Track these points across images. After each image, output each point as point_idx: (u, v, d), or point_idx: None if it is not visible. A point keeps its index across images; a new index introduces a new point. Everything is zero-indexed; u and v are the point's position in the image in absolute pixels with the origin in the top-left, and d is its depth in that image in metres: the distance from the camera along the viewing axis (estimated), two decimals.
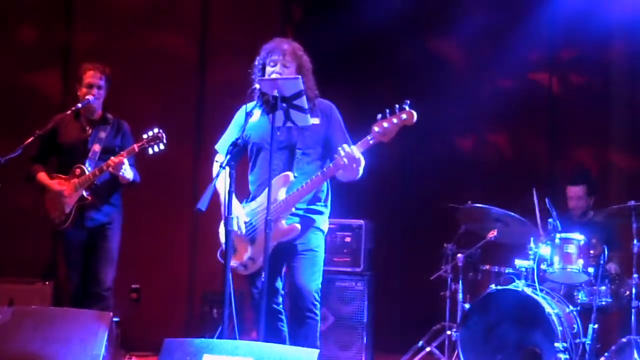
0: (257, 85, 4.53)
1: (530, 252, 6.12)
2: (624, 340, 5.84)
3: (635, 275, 5.86)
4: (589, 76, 7.78)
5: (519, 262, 6.19)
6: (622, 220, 6.07)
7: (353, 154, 4.44)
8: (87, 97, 5.89)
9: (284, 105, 4.47)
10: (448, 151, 7.94)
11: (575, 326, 5.96)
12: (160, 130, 5.68)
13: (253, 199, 4.76)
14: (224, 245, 4.62)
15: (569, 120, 7.82)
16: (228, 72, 7.63)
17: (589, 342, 5.94)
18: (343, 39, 7.47)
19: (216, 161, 4.89)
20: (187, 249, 7.81)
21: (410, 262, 7.68)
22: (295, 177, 4.60)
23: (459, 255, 6.53)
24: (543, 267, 6.07)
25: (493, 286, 6.12)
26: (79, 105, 5.89)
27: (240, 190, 4.67)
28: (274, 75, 4.62)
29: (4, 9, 7.91)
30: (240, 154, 4.73)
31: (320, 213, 4.76)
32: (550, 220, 6.20)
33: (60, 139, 5.96)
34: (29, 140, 5.69)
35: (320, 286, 4.70)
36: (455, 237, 6.72)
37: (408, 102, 4.40)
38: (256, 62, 4.74)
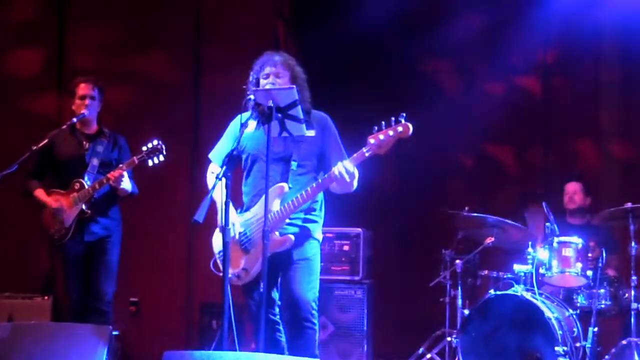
0: (251, 96, 4.53)
1: (529, 257, 6.12)
2: (624, 342, 5.84)
3: (634, 278, 5.86)
4: (580, 79, 7.79)
5: (517, 267, 6.19)
6: (619, 222, 6.07)
7: (347, 168, 4.45)
8: (82, 111, 5.89)
9: (279, 115, 4.48)
10: (445, 157, 7.94)
11: (575, 330, 5.96)
12: (160, 142, 5.69)
13: (247, 209, 4.74)
14: (217, 256, 4.69)
15: (562, 123, 7.83)
16: (224, 84, 7.64)
17: (589, 345, 5.94)
18: (333, 51, 7.48)
19: (211, 172, 4.87)
20: (185, 261, 7.80)
21: (408, 269, 7.67)
22: (290, 188, 4.59)
23: (457, 261, 6.53)
24: (542, 271, 6.07)
25: (492, 291, 6.12)
26: (74, 119, 5.89)
27: (234, 200, 4.63)
28: (268, 86, 4.62)
29: None
30: (235, 165, 4.68)
31: (315, 222, 4.74)
32: (547, 224, 6.20)
33: (56, 154, 5.95)
34: (25, 156, 5.69)
35: (317, 295, 4.68)
36: (453, 244, 6.71)
37: (404, 114, 4.40)
38: (250, 78, 4.74)
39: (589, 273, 6.02)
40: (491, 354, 5.89)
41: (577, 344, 5.87)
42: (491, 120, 7.70)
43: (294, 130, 4.56)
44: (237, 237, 4.65)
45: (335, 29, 7.46)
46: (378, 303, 6.99)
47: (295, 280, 4.63)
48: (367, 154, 4.46)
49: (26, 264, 7.53)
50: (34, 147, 5.75)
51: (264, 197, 4.37)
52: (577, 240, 6.08)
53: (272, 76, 4.66)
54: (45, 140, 5.88)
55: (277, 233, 4.56)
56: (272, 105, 4.42)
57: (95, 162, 5.88)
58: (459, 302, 6.49)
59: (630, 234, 5.92)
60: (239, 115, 4.63)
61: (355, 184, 4.57)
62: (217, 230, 4.70)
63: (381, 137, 4.41)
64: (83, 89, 5.94)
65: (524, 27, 7.60)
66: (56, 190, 5.91)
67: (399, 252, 7.88)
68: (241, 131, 4.51)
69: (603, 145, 7.68)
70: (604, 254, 6.07)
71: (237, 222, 4.67)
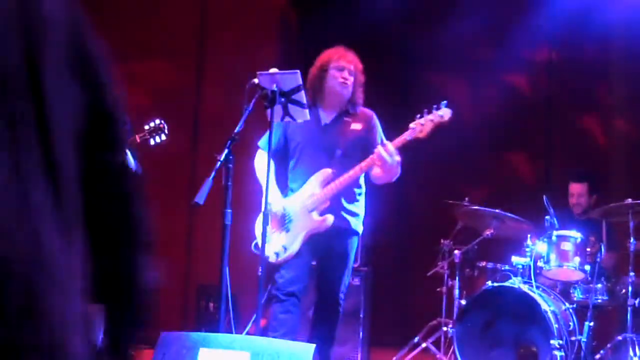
0: (255, 80, 4.54)
1: (527, 249, 6.12)
2: (619, 338, 5.84)
3: (631, 274, 5.86)
4: (587, 76, 7.78)
5: (515, 259, 6.19)
6: (619, 218, 6.07)
7: (388, 149, 4.64)
8: None
9: (283, 99, 4.48)
10: (446, 148, 7.93)
11: (571, 324, 5.96)
12: (162, 121, 5.72)
13: (293, 192, 4.97)
14: (258, 239, 4.87)
15: (567, 118, 7.83)
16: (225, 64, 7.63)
17: (585, 339, 5.94)
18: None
19: (258, 159, 5.05)
20: (183, 243, 7.80)
21: (406, 258, 7.68)
22: (334, 173, 4.79)
23: (455, 251, 6.53)
24: (539, 264, 6.07)
25: (489, 283, 6.12)
26: None
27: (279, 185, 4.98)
28: (340, 80, 4.86)
29: None
30: (282, 152, 5.00)
31: (357, 215, 4.99)
32: (547, 217, 6.20)
33: None
34: None
35: (347, 284, 4.99)
36: (452, 234, 6.72)
37: (445, 102, 4.63)
38: (316, 63, 4.95)
39: (587, 267, 6.02)
40: (486, 345, 5.90)
41: (573, 338, 5.87)
42: (495, 112, 7.69)
43: (297, 115, 4.57)
44: (278, 218, 4.90)
45: (341, 25, 7.47)
46: (375, 291, 6.99)
47: (330, 271, 4.90)
48: (408, 138, 4.67)
49: None
50: None
51: (308, 180, 4.78)
52: (575, 234, 6.07)
53: (347, 71, 4.89)
54: None
55: (316, 213, 4.80)
56: (275, 89, 4.42)
57: None
58: (456, 292, 6.49)
59: (629, 229, 5.91)
60: None
61: (398, 170, 4.79)
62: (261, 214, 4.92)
63: (422, 122, 4.64)
64: None
65: (528, 26, 7.60)
66: None
67: (398, 240, 7.89)
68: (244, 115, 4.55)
69: (611, 140, 7.67)
70: (603, 249, 6.07)
71: (281, 204, 4.92)
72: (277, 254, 4.88)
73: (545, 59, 7.88)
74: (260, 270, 4.35)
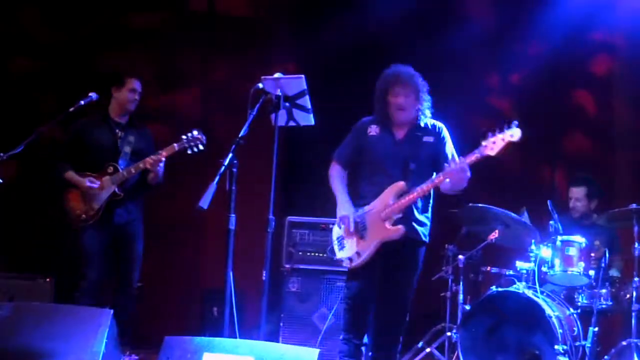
0: (260, 85, 4.55)
1: (531, 254, 6.12)
2: (624, 343, 5.83)
3: (636, 279, 5.85)
4: (592, 80, 7.78)
5: (519, 264, 6.19)
6: (624, 223, 6.06)
7: (461, 164, 4.82)
8: (130, 102, 6.17)
9: (287, 104, 4.49)
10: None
11: (575, 329, 5.96)
12: (200, 132, 5.93)
13: (368, 204, 5.12)
14: (334, 243, 5.20)
15: (571, 123, 7.82)
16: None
17: (589, 345, 5.93)
18: (338, 51, 7.57)
19: (334, 170, 5.27)
20: (188, 247, 7.80)
21: None
22: (407, 186, 5.00)
23: (460, 256, 6.51)
24: (544, 269, 6.06)
25: (494, 288, 6.11)
26: (129, 109, 6.17)
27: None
28: (395, 104, 5.05)
29: None
30: (355, 164, 5.24)
31: (425, 225, 5.20)
32: (551, 222, 6.19)
33: (88, 140, 6.15)
34: (31, 137, 5.75)
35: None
36: (456, 239, 6.71)
37: (516, 122, 4.75)
38: (378, 87, 5.14)
39: (591, 273, 6.01)
40: (491, 350, 5.89)
41: (577, 343, 5.87)
42: (499, 115, 7.69)
43: (301, 120, 4.59)
44: (351, 227, 5.08)
45: (342, 29, 7.49)
46: None
47: (400, 279, 5.11)
48: (479, 155, 4.82)
49: (28, 245, 7.53)
50: (40, 129, 5.82)
51: (384, 192, 4.99)
52: (580, 239, 6.06)
53: (402, 96, 5.05)
54: (75, 127, 6.17)
55: (388, 222, 4.99)
56: (280, 94, 4.43)
57: (127, 149, 6.12)
58: (460, 297, 6.49)
59: (634, 235, 5.90)
60: (363, 120, 5.21)
61: (466, 183, 4.96)
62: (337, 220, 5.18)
63: (494, 140, 4.76)
64: (135, 84, 6.19)
65: (532, 28, 7.60)
66: (87, 173, 6.08)
67: None
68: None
69: (615, 145, 7.66)
70: (607, 254, 6.06)
71: (351, 213, 5.11)
72: (350, 259, 5.12)
73: (547, 61, 7.86)
74: (264, 275, 4.35)
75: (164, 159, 5.96)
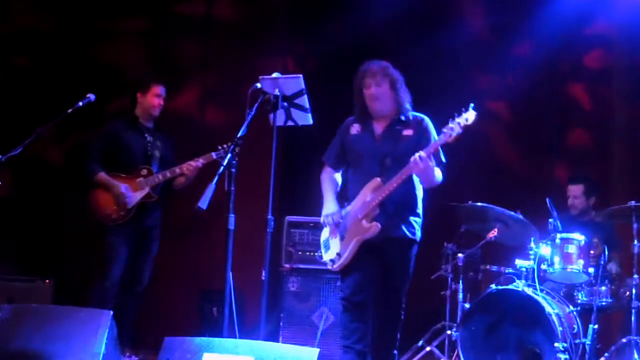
0: (258, 84, 4.55)
1: (531, 252, 6.12)
2: (624, 340, 5.84)
3: (635, 276, 5.85)
4: (592, 80, 7.78)
5: (519, 262, 6.18)
6: (623, 220, 6.07)
7: (421, 156, 4.73)
8: (155, 107, 6.29)
9: (285, 104, 4.49)
10: (450, 149, 7.93)
11: (575, 326, 5.96)
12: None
13: (349, 203, 5.11)
14: (322, 245, 5.17)
15: (571, 121, 7.83)
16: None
17: (589, 342, 5.93)
18: (336, 50, 7.57)
19: (325, 172, 5.27)
20: (187, 247, 7.80)
21: None
22: (383, 182, 4.91)
23: (459, 254, 6.52)
24: (543, 267, 6.06)
25: (493, 286, 6.12)
26: (154, 114, 6.28)
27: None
28: (368, 95, 4.97)
29: None
30: (342, 164, 5.21)
31: (415, 223, 5.11)
32: (550, 220, 6.19)
33: (122, 142, 6.26)
34: (31, 138, 5.73)
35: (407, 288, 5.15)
36: (455, 237, 6.71)
37: (472, 105, 4.70)
38: (354, 86, 5.07)
39: (591, 270, 6.01)
40: (491, 349, 5.89)
41: (577, 341, 5.87)
42: (498, 113, 7.69)
43: (299, 119, 4.58)
44: (333, 226, 5.07)
45: (340, 29, 7.49)
46: None
47: (392, 278, 5.06)
48: (439, 143, 4.78)
49: (27, 246, 7.53)
50: (39, 130, 5.81)
51: (362, 190, 4.92)
52: (579, 237, 6.06)
53: (373, 86, 4.98)
54: (108, 129, 6.32)
55: (364, 220, 4.92)
56: (278, 93, 4.43)
57: (157, 154, 6.27)
58: (460, 295, 6.49)
59: (633, 231, 5.90)
60: (347, 120, 5.16)
61: (437, 175, 4.92)
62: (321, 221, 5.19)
63: (452, 126, 4.69)
64: (160, 89, 6.31)
65: (531, 29, 7.60)
66: (119, 174, 6.19)
67: None
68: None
69: (613, 143, 7.66)
70: (606, 251, 6.06)
71: (338, 214, 5.09)
72: (332, 261, 5.11)
73: (544, 57, 7.86)
74: (264, 275, 4.35)
75: (201, 166, 6.06)
